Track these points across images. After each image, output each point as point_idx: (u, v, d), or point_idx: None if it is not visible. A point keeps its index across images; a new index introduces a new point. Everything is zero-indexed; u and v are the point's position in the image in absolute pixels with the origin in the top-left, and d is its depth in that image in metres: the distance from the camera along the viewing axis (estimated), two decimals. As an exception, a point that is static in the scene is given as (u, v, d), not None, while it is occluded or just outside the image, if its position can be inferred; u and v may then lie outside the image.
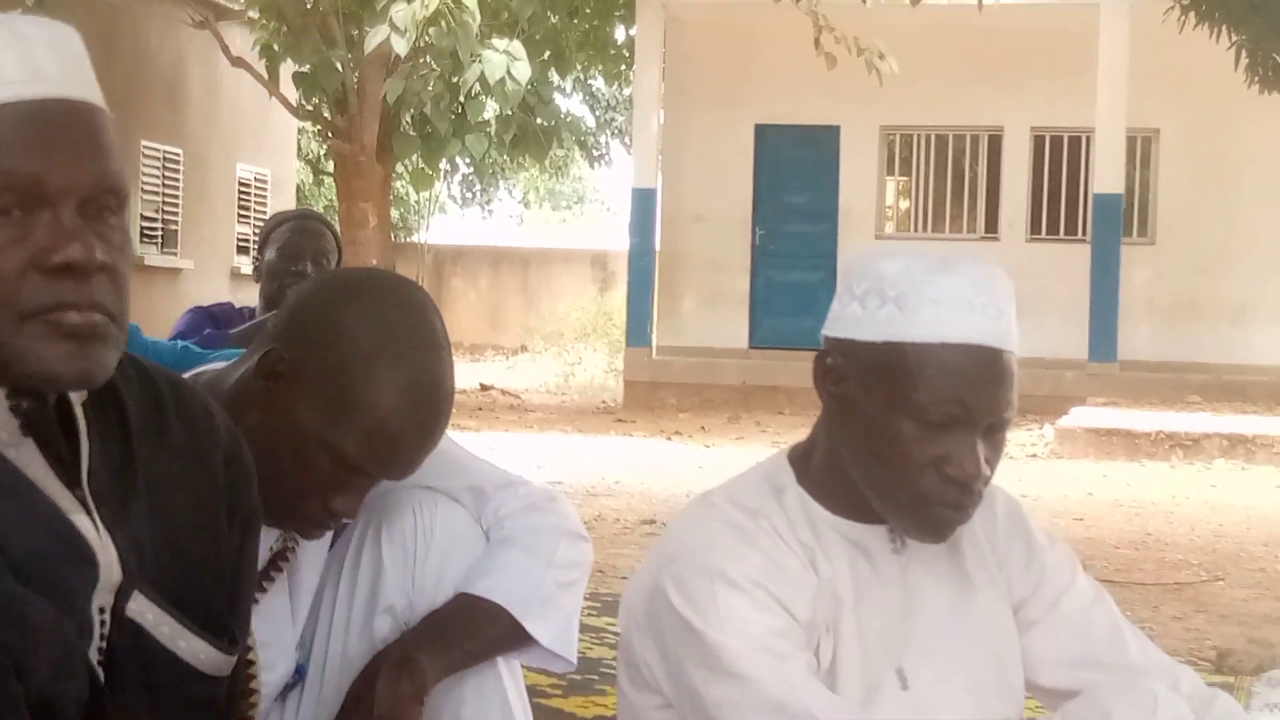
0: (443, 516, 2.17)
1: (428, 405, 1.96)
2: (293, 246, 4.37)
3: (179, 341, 4.34)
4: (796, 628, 1.99)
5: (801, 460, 2.11)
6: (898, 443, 1.97)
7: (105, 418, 1.50)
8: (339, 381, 1.93)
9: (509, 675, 2.18)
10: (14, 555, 1.33)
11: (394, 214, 24.18)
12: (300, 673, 2.17)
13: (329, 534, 2.14)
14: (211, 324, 4.55)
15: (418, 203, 29.02)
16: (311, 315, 1.98)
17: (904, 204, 18.34)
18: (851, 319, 2.00)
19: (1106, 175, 15.63)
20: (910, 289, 1.97)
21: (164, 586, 1.48)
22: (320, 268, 4.36)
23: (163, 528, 1.48)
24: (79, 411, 1.48)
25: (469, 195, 32.79)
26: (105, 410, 1.50)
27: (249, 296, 4.80)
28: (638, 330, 16.25)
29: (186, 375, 2.10)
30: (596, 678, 4.30)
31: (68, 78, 1.43)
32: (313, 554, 2.15)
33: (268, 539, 2.09)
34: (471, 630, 2.11)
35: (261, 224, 21.57)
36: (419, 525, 2.16)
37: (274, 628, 2.11)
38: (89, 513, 1.44)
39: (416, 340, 1.96)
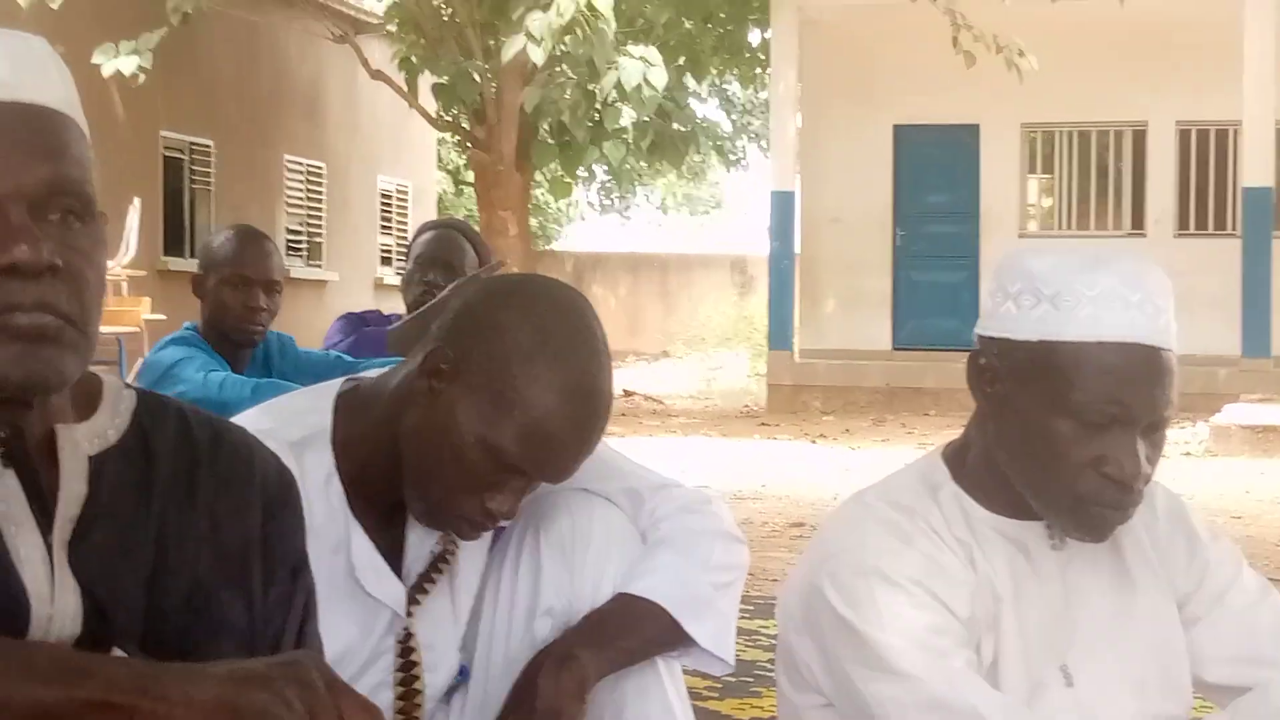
0: (600, 519, 2.19)
1: (587, 407, 1.98)
2: (425, 258, 4.43)
3: (331, 352, 4.43)
4: (956, 625, 1.98)
5: (956, 458, 2.10)
6: (1055, 443, 1.95)
7: (129, 467, 1.46)
8: (500, 381, 1.95)
9: (669, 676, 2.19)
10: None
11: (533, 222, 24.35)
12: (464, 673, 2.20)
13: (488, 536, 2.16)
14: (364, 328, 4.62)
15: (557, 210, 29.21)
16: (475, 316, 2.01)
17: (1046, 202, 18.11)
18: (1006, 318, 1.99)
19: (1255, 168, 15.31)
20: (1065, 287, 1.95)
21: (176, 646, 1.41)
22: (452, 276, 4.41)
23: (180, 589, 1.44)
24: (71, 451, 1.43)
25: (607, 202, 32.96)
26: (132, 460, 1.47)
27: (393, 307, 4.87)
28: (780, 333, 16.21)
29: (342, 380, 2.15)
30: (752, 680, 4.31)
31: (20, 82, 1.40)
32: (473, 556, 2.18)
33: (428, 541, 2.13)
34: (631, 629, 2.13)
35: (404, 235, 21.86)
36: (577, 527, 2.18)
37: (437, 629, 2.14)
38: (50, 561, 1.38)
39: (577, 343, 1.98)
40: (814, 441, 12.77)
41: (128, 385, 1.53)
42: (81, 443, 1.44)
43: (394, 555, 2.11)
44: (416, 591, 2.12)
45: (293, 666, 1.30)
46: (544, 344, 1.96)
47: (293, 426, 2.06)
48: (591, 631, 2.12)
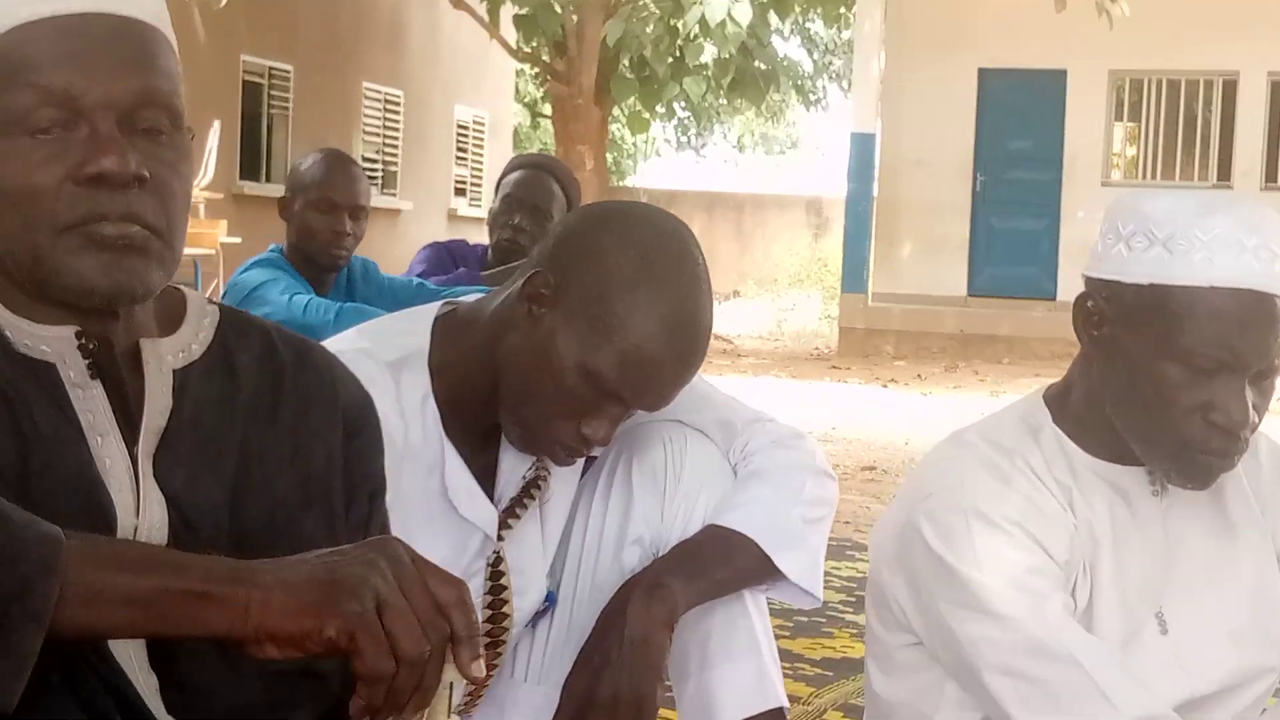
0: (692, 450, 2.19)
1: (687, 335, 1.97)
2: (512, 199, 4.41)
3: (414, 279, 4.43)
4: (1054, 567, 1.96)
5: (1058, 400, 2.07)
6: (1162, 388, 1.92)
7: (212, 381, 1.47)
8: (600, 306, 1.94)
9: (756, 609, 2.19)
10: (41, 508, 1.28)
11: (608, 157, 24.30)
12: (550, 600, 2.20)
13: (580, 463, 2.15)
14: (449, 259, 4.62)
15: (632, 146, 29.12)
16: (576, 241, 1.99)
17: (1130, 150, 17.89)
18: (1116, 260, 1.96)
19: (1346, 122, 15.06)
20: (1179, 230, 1.91)
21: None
22: (538, 219, 4.39)
23: (261, 506, 1.45)
24: (156, 365, 1.44)
25: (684, 139, 32.84)
26: (215, 375, 1.47)
27: (466, 237, 4.86)
28: (854, 276, 16.12)
29: (440, 303, 2.14)
30: (824, 620, 4.30)
31: None
32: (564, 483, 2.18)
33: (521, 466, 2.12)
34: (721, 560, 2.12)
35: (479, 166, 21.74)
36: (669, 458, 2.17)
37: (526, 554, 2.14)
38: (135, 473, 1.39)
39: (679, 270, 1.97)
40: (885, 386, 12.72)
41: (211, 301, 1.53)
42: (166, 356, 1.45)
43: (487, 479, 2.11)
44: (508, 516, 2.12)
45: (380, 543, 1.30)
46: (646, 270, 1.95)
47: (390, 347, 2.06)
48: (681, 561, 2.11)
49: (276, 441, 1.48)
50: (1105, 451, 2.02)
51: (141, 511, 1.38)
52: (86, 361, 1.40)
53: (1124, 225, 1.96)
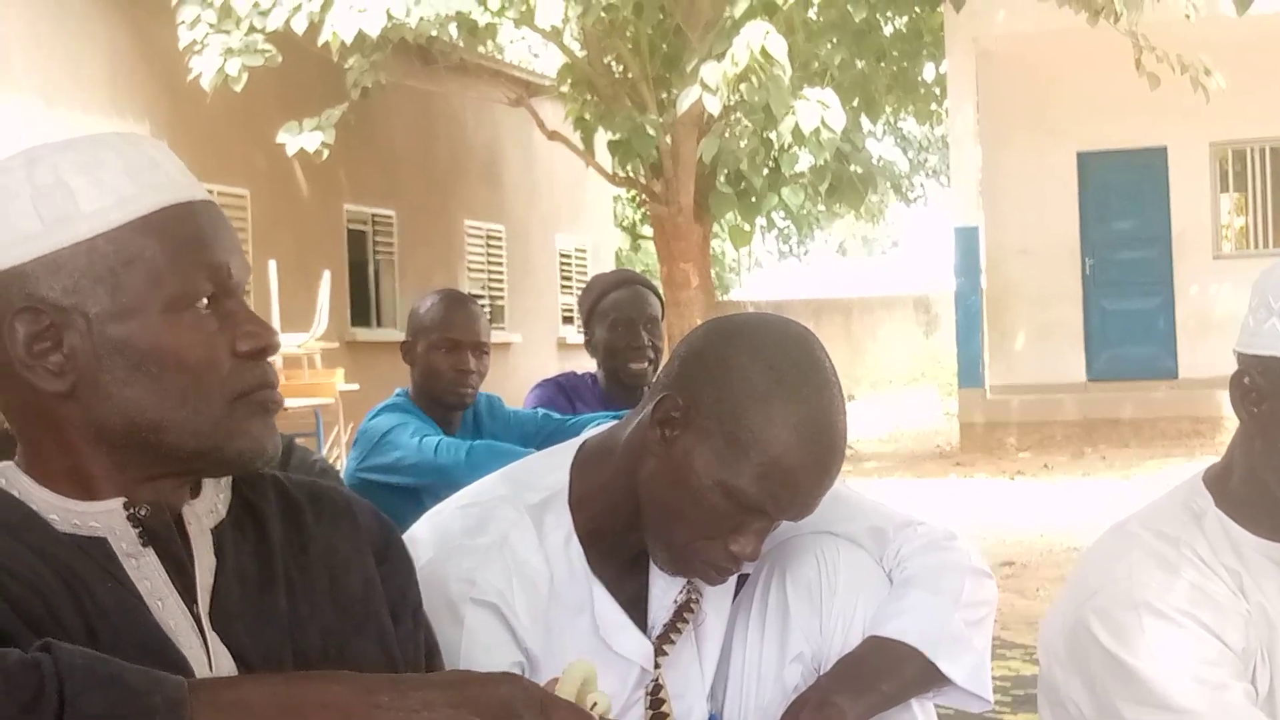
0: (845, 560, 2.16)
1: (823, 442, 1.94)
2: (627, 322, 4.39)
3: (539, 410, 4.43)
4: (1231, 656, 1.91)
5: (1218, 482, 2.02)
6: None
7: (245, 536, 1.53)
8: (734, 422, 1.92)
9: (924, 718, 2.14)
10: None
11: (711, 273, 24.37)
12: (714, 723, 2.16)
13: (732, 582, 2.13)
14: (561, 395, 4.60)
15: (734, 261, 29.21)
16: (703, 360, 1.98)
17: (1239, 221, 17.67)
18: (1271, 335, 1.92)
19: None
20: None
21: None
22: (654, 334, 4.39)
23: (315, 639, 1.50)
24: (197, 526, 1.50)
25: (785, 248, 32.91)
26: (245, 529, 1.53)
27: (577, 366, 4.84)
28: (970, 370, 15.97)
29: (580, 440, 2.13)
30: (982, 722, 4.21)
31: (189, 180, 1.49)
32: (718, 604, 2.15)
33: (672, 590, 2.10)
34: (886, 672, 2.08)
35: (585, 293, 21.90)
36: (823, 570, 2.14)
37: (684, 679, 2.12)
38: (201, 631, 1.44)
39: (808, 378, 1.95)
40: (1012, 479, 12.56)
41: None
42: (202, 517, 1.51)
43: (637, 606, 2.09)
44: (662, 642, 2.10)
45: (509, 677, 1.32)
46: (775, 382, 1.93)
47: (530, 490, 2.05)
48: (847, 677, 2.07)
49: (314, 576, 1.54)
50: (1272, 531, 1.97)
51: (213, 666, 1.43)
52: (137, 530, 1.45)
53: (1275, 299, 1.92)
